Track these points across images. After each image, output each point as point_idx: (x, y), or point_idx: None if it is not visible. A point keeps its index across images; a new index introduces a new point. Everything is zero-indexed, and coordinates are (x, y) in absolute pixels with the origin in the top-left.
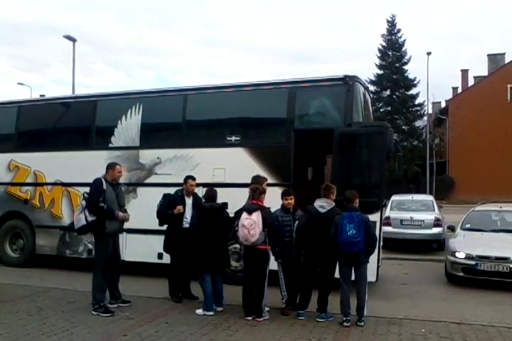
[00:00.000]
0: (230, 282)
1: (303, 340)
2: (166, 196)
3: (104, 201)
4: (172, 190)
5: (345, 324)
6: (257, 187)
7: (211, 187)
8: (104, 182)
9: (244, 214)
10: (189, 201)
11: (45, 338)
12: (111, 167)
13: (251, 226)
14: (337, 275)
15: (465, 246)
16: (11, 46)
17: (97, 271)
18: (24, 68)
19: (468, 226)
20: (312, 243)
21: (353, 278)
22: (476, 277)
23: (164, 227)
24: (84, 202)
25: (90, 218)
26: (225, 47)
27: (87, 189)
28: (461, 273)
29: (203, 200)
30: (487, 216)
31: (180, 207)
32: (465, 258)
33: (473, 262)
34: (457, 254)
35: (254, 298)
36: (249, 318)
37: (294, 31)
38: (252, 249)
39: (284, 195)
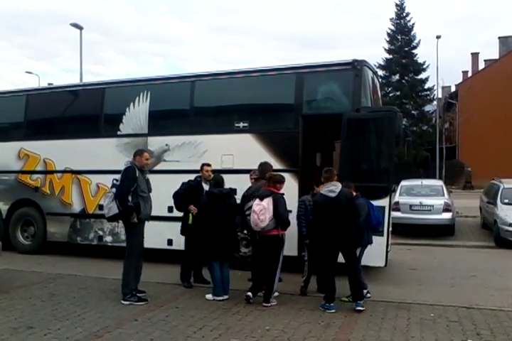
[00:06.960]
0: (239, 267)
1: (312, 325)
2: (186, 182)
3: (137, 188)
4: (181, 177)
5: (368, 295)
6: (271, 176)
7: (217, 173)
8: (136, 169)
9: (257, 201)
10: (206, 188)
11: (57, 323)
12: (139, 153)
13: (261, 212)
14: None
15: None
16: (22, 35)
17: (132, 258)
18: (35, 57)
19: (506, 201)
20: (332, 230)
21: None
22: None
23: (175, 214)
24: (114, 190)
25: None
26: (235, 34)
27: (97, 176)
28: None
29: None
30: None
31: (193, 207)
32: None
33: None
34: None
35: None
36: (250, 294)
37: (304, 17)
38: (265, 237)
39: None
